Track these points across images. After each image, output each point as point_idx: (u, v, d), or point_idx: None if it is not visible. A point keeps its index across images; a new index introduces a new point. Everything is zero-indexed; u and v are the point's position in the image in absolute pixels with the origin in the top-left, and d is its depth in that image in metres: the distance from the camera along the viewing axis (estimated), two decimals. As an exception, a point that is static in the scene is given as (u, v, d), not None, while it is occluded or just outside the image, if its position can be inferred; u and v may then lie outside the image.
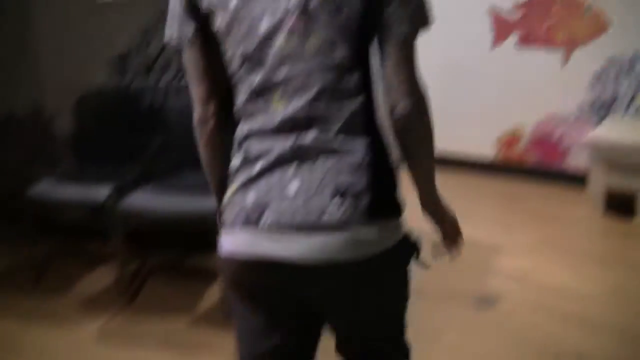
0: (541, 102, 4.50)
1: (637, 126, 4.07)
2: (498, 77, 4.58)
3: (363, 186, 1.34)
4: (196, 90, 1.46)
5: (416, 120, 1.36)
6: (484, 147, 4.75)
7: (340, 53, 1.35)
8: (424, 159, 1.43)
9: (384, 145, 1.40)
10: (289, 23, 1.34)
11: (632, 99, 4.18)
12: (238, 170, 1.41)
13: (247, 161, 1.39)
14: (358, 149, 1.35)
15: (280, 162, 1.36)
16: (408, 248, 1.42)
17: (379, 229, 1.34)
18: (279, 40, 1.35)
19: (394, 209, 1.39)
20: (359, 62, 1.37)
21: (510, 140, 4.69)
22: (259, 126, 1.39)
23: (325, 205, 1.33)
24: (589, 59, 4.27)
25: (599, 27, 4.21)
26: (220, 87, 1.45)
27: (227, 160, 1.45)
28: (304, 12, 1.34)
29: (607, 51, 4.20)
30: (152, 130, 3.70)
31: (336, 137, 1.35)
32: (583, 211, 4.06)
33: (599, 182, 3.96)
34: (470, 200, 4.21)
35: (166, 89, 3.79)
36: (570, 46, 4.34)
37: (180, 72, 3.73)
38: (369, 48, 1.38)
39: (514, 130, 4.65)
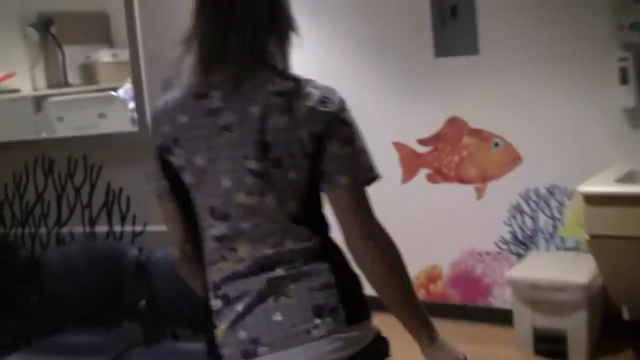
0: (458, 238, 4.30)
1: (559, 261, 3.89)
2: (411, 214, 4.38)
3: (337, 301, 1.53)
4: (174, 235, 1.67)
5: (379, 262, 1.57)
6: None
7: (295, 207, 1.54)
8: (402, 298, 1.63)
9: (346, 260, 1.59)
10: (247, 183, 1.51)
11: (552, 232, 4.02)
12: (220, 311, 1.56)
13: (228, 303, 1.55)
14: (324, 271, 1.55)
15: (260, 299, 1.53)
16: (383, 342, 1.65)
17: (358, 330, 1.55)
18: (241, 197, 1.52)
19: (365, 311, 1.59)
20: (314, 210, 1.57)
21: (429, 278, 4.44)
22: (230, 272, 1.56)
23: (310, 325, 1.51)
24: (504, 192, 4.14)
25: (510, 160, 4.10)
26: (194, 230, 1.62)
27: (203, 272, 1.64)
28: (259, 174, 1.51)
29: (522, 184, 4.08)
30: (31, 285, 3.31)
31: (302, 267, 1.54)
32: (511, 352, 3.79)
33: (526, 322, 3.71)
34: (395, 340, 3.83)
35: (47, 238, 3.43)
36: (483, 180, 4.21)
37: (60, 220, 3.38)
38: (320, 197, 1.57)
39: (432, 268, 4.42)
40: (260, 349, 1.52)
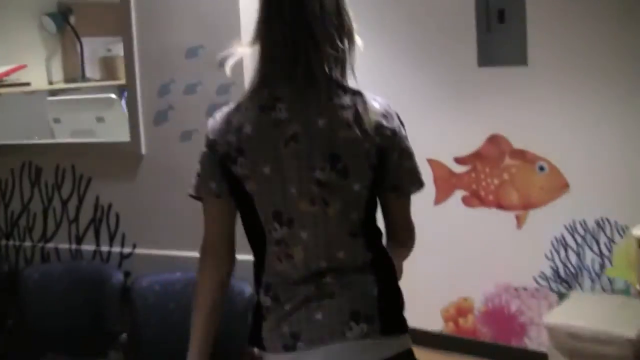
0: (493, 269, 3.85)
1: (605, 306, 3.42)
2: (442, 238, 3.95)
3: (375, 312, 1.62)
4: (216, 233, 1.70)
5: (409, 248, 1.79)
6: (429, 320, 4.04)
7: (356, 218, 1.62)
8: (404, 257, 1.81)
9: (392, 274, 1.69)
10: (313, 192, 1.58)
11: (598, 272, 3.55)
12: (269, 309, 1.65)
13: (277, 303, 1.64)
14: (370, 282, 1.64)
15: (305, 302, 1.62)
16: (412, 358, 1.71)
17: (390, 340, 1.65)
18: (304, 205, 1.58)
19: (402, 326, 1.69)
20: (371, 221, 1.66)
21: (459, 311, 4.00)
22: (284, 276, 1.64)
23: (345, 327, 1.61)
24: (547, 223, 3.67)
25: (556, 187, 3.64)
26: (233, 239, 1.71)
27: (219, 317, 1.75)
28: (325, 184, 1.58)
29: (568, 215, 3.61)
30: (9, 303, 3.02)
31: (350, 277, 1.63)
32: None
33: (563, 372, 3.26)
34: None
35: (32, 252, 3.12)
36: (524, 207, 3.76)
37: (45, 235, 3.06)
38: (375, 210, 1.67)
39: (462, 301, 3.98)
40: (299, 344, 1.62)
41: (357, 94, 1.63)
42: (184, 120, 2.83)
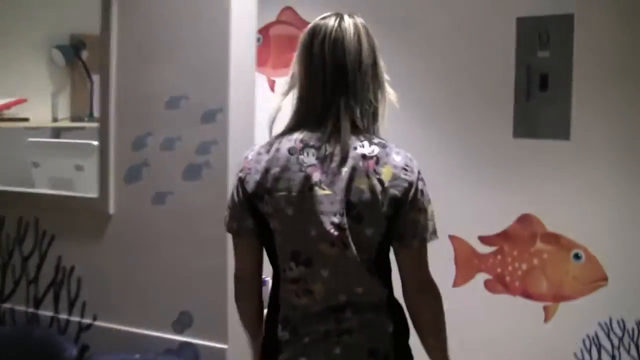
0: (515, 366, 3.38)
1: None
2: (460, 325, 3.46)
3: (391, 349, 1.71)
4: (245, 270, 1.80)
5: (431, 309, 1.77)
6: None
7: (370, 260, 1.69)
8: (441, 332, 1.79)
9: (403, 312, 1.76)
10: (333, 235, 1.65)
11: (637, 381, 3.07)
12: (287, 342, 1.72)
13: (296, 336, 1.71)
14: (386, 321, 1.72)
15: (325, 336, 1.69)
16: None
17: None
18: (325, 247, 1.66)
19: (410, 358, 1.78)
20: (384, 264, 1.73)
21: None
22: (302, 310, 1.71)
23: None
24: (580, 318, 3.24)
25: (593, 279, 3.21)
26: (261, 267, 1.82)
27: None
28: (342, 229, 1.65)
29: (604, 312, 3.18)
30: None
31: (368, 315, 1.70)
32: None
33: None
34: None
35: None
36: (555, 299, 3.30)
37: (2, 293, 2.69)
38: (388, 251, 1.73)
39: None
40: None
41: (382, 145, 1.70)
42: (159, 180, 2.46)
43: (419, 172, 1.72)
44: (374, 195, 1.66)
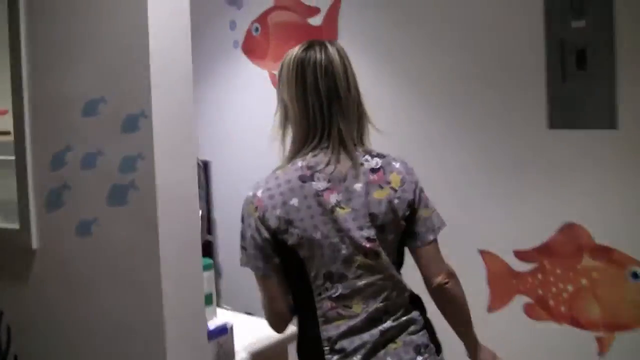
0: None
1: None
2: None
3: (428, 340, 1.84)
4: (277, 307, 1.83)
5: (457, 289, 1.88)
6: None
7: (394, 260, 1.83)
8: (467, 319, 1.94)
9: (423, 303, 1.89)
10: (365, 247, 1.76)
11: None
12: None
13: (345, 356, 1.77)
14: (417, 318, 1.85)
15: (374, 350, 1.77)
16: None
17: (442, 357, 1.88)
18: (358, 261, 1.77)
19: (440, 345, 1.89)
20: (400, 263, 1.88)
21: None
22: (346, 327, 1.77)
23: None
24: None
25: (654, 303, 2.56)
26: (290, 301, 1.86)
27: None
28: (372, 240, 1.77)
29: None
30: None
31: (403, 317, 1.82)
32: None
33: None
34: None
35: None
36: (609, 328, 2.69)
37: None
38: (403, 252, 1.88)
39: None
40: None
41: (381, 156, 1.85)
42: (81, 206, 1.98)
43: (414, 170, 1.87)
44: (391, 204, 1.79)
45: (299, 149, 1.82)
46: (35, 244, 2.08)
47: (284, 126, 1.85)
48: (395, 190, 1.80)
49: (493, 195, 2.96)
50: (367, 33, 3.38)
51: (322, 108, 1.79)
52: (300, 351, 1.85)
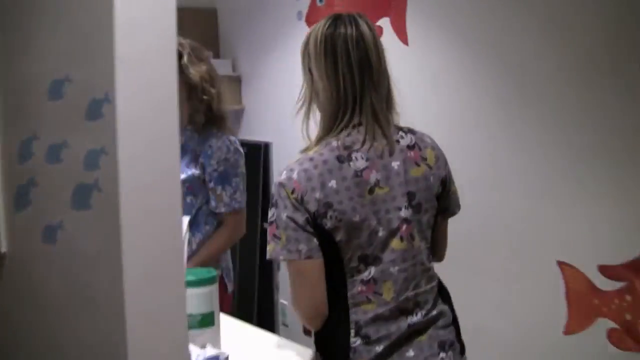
0: None
1: None
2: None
3: (454, 337, 1.84)
4: (317, 292, 1.76)
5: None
6: None
7: (427, 247, 1.83)
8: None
9: (450, 296, 1.91)
10: (402, 230, 1.75)
11: None
12: (357, 348, 1.75)
13: (368, 343, 1.75)
14: (446, 312, 1.84)
15: (398, 344, 1.74)
16: None
17: (464, 357, 1.86)
18: (396, 243, 1.75)
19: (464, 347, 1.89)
20: (430, 252, 1.89)
21: None
22: (373, 313, 1.76)
23: (436, 358, 1.78)
24: None
25: None
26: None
27: None
28: (409, 221, 1.76)
29: None
30: None
31: (433, 311, 1.81)
32: None
33: None
34: None
35: None
36: None
37: None
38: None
39: None
40: None
41: (412, 132, 1.84)
42: (48, 207, 1.66)
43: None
44: (428, 181, 1.79)
45: (329, 127, 1.78)
46: (3, 247, 1.78)
47: (309, 103, 1.81)
48: (431, 168, 1.80)
49: (579, 199, 2.49)
50: (440, 4, 2.97)
51: (354, 80, 1.74)
52: (321, 334, 1.81)
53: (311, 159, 1.74)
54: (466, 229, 2.58)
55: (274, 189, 1.77)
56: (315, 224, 1.73)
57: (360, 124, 1.76)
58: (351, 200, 1.72)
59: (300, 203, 1.71)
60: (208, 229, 2.91)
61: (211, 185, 2.85)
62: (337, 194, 1.71)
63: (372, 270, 1.75)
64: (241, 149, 2.93)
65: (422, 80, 3.34)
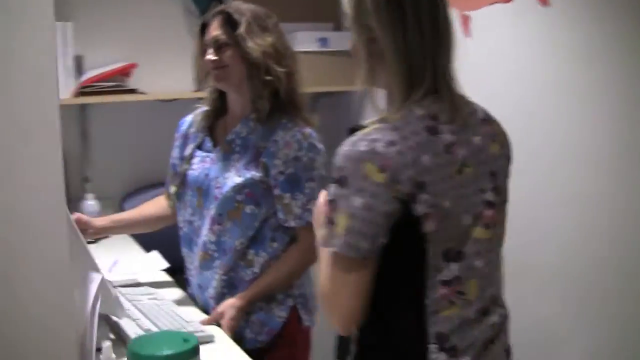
0: None
1: None
2: None
3: (508, 340, 1.63)
4: (362, 305, 1.47)
5: None
6: None
7: (503, 237, 1.61)
8: None
9: None
10: (485, 216, 1.51)
11: None
12: None
13: (455, 355, 1.48)
14: (507, 313, 1.63)
15: (484, 348, 1.52)
16: None
17: None
18: (479, 232, 1.51)
19: None
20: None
21: None
22: (458, 319, 1.49)
23: None
24: None
25: None
26: None
27: None
28: (493, 205, 1.53)
29: None
30: None
31: (502, 311, 1.61)
32: None
33: None
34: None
35: None
36: None
37: None
38: None
39: None
40: None
41: (476, 104, 1.61)
42: None
43: None
44: (506, 160, 1.61)
45: (405, 92, 1.49)
46: None
47: (371, 65, 1.52)
48: (503, 145, 1.61)
49: None
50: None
51: (425, 36, 1.49)
52: (372, 349, 1.54)
53: (396, 129, 1.44)
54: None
55: (341, 161, 1.43)
56: (404, 211, 1.43)
57: (436, 90, 1.49)
58: (443, 181, 1.45)
59: (389, 185, 1.40)
60: (276, 246, 2.26)
61: (277, 192, 2.21)
62: (431, 173, 1.43)
63: (454, 267, 1.48)
64: (320, 146, 2.25)
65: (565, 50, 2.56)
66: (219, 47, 2.22)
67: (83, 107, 3.37)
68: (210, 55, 2.22)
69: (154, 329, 1.98)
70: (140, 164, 3.50)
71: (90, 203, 3.30)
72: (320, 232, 1.50)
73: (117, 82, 3.26)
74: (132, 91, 3.26)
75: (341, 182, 1.43)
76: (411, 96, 1.48)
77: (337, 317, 1.50)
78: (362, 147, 1.42)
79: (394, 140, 1.42)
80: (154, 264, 2.72)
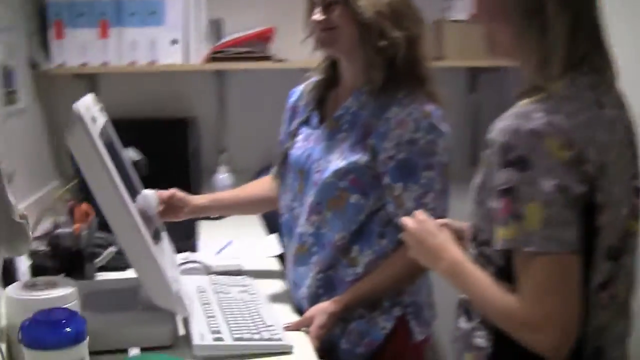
0: None
1: None
2: None
3: None
4: (578, 307, 1.25)
5: None
6: None
7: None
8: None
9: None
10: (637, 207, 1.34)
11: None
12: None
13: None
14: None
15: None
16: None
17: None
18: (631, 226, 1.33)
19: None
20: None
21: None
22: (616, 328, 1.35)
23: None
24: None
25: None
26: None
27: None
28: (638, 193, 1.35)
29: None
30: None
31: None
32: None
33: None
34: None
35: None
36: None
37: None
38: None
39: None
40: None
41: None
42: None
43: None
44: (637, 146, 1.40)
45: (568, 59, 1.27)
46: None
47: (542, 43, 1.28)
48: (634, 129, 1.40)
49: None
50: None
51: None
52: None
53: (569, 98, 1.26)
54: None
55: (511, 138, 1.23)
56: (589, 200, 1.24)
57: (592, 61, 1.32)
58: (616, 165, 1.28)
59: (575, 165, 1.22)
60: (385, 244, 1.90)
61: (386, 180, 1.84)
62: (608, 153, 1.27)
63: (610, 267, 1.30)
64: (444, 127, 1.86)
65: None
66: (327, 5, 1.89)
67: (219, 73, 3.18)
68: (318, 15, 1.90)
69: (224, 331, 1.72)
70: (278, 137, 3.27)
71: (222, 177, 3.11)
72: (500, 232, 1.26)
73: (256, 47, 3.02)
74: (266, 58, 3.00)
75: (519, 163, 1.22)
76: (576, 64, 1.29)
77: (553, 338, 1.23)
78: (537, 119, 1.23)
79: (572, 113, 1.25)
80: (266, 250, 2.48)
